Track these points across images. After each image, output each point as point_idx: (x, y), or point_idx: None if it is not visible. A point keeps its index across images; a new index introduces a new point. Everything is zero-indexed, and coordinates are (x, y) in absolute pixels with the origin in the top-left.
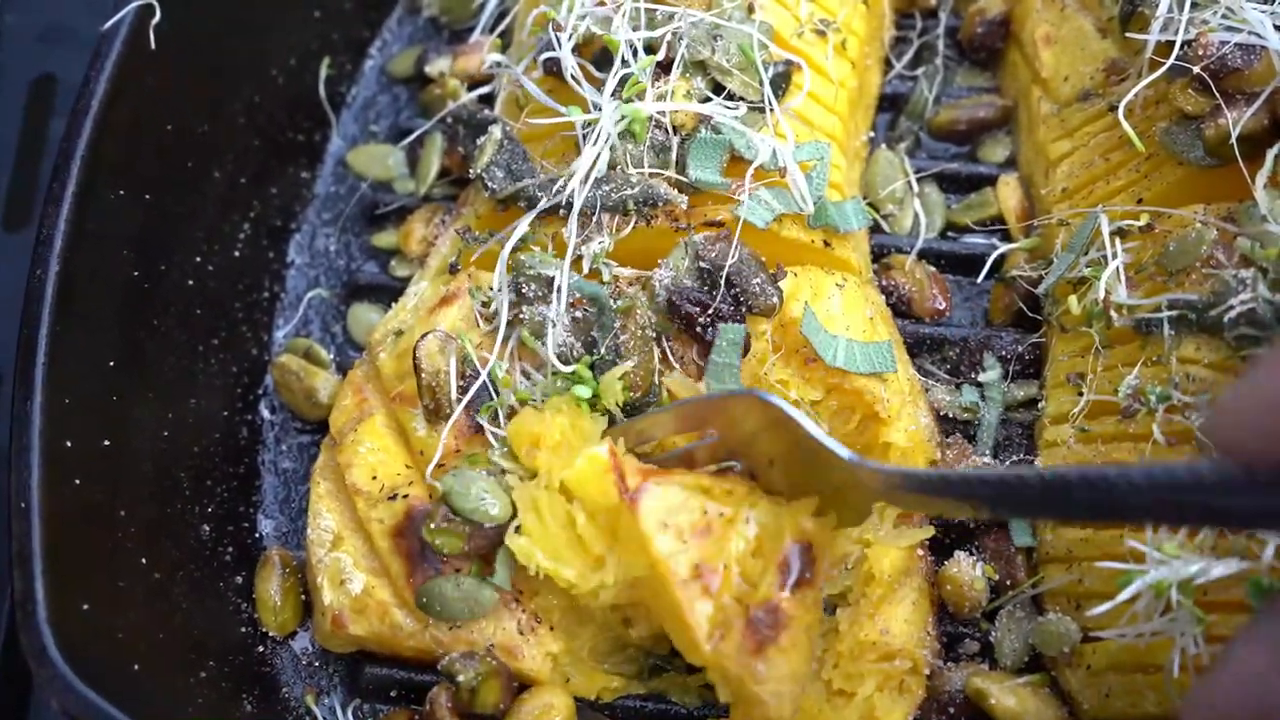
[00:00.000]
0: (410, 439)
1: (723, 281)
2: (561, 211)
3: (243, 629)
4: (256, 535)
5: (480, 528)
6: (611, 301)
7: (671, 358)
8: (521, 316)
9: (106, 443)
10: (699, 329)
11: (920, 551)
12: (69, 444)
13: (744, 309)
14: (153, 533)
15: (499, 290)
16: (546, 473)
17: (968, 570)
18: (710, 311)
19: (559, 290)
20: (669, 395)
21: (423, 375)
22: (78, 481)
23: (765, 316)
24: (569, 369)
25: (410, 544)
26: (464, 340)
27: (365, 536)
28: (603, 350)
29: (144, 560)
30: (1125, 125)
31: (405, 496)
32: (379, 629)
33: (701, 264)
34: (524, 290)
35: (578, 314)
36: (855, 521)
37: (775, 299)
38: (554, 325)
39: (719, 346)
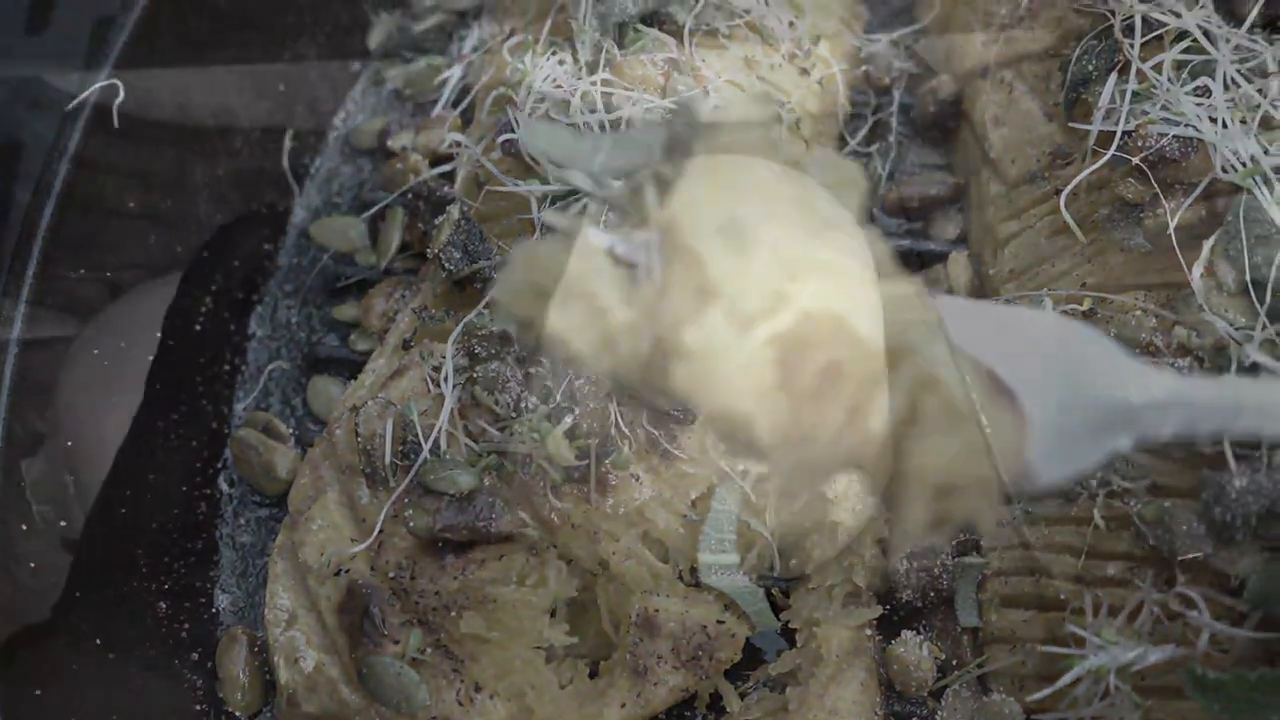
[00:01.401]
0: (355, 509)
1: None
2: None
3: (198, 706)
4: (214, 610)
5: (449, 500)
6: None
7: (621, 423)
8: (475, 375)
9: (63, 523)
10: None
11: (868, 630)
12: (24, 527)
13: None
14: (108, 613)
15: (448, 358)
16: None
17: (914, 650)
18: None
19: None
20: (626, 450)
21: (359, 440)
22: (32, 565)
23: None
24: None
25: (352, 619)
26: (409, 406)
27: (317, 614)
28: (558, 398)
29: (99, 641)
30: (1066, 215)
31: (347, 572)
32: (329, 706)
33: None
34: (477, 351)
35: (530, 370)
36: None
37: None
38: (509, 380)
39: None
